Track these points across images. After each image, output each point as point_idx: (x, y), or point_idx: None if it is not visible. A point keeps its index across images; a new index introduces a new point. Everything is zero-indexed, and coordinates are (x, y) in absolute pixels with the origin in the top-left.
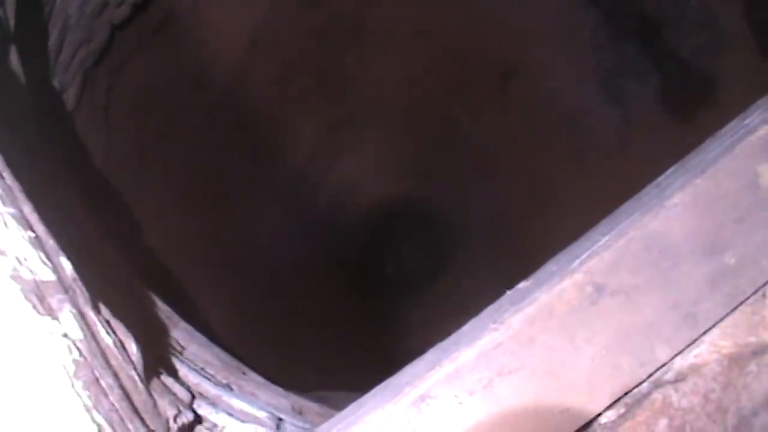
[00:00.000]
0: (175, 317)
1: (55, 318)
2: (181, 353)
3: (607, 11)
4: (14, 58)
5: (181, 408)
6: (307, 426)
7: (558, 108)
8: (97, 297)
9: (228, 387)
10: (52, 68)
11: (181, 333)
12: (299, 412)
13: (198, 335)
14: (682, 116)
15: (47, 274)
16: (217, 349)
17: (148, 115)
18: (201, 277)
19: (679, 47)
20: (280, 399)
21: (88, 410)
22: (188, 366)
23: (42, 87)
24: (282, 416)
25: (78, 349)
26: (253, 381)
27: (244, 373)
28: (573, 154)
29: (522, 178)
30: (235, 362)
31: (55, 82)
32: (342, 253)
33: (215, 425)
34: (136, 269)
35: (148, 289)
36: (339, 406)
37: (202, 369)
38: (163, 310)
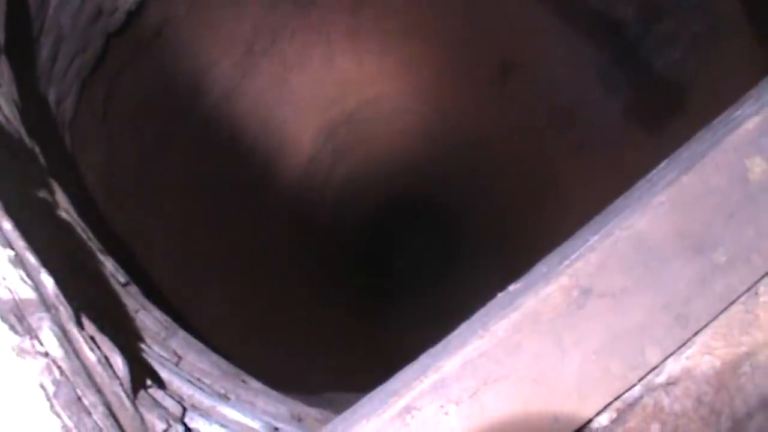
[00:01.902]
0: (174, 326)
1: (35, 337)
2: (176, 363)
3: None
4: (6, 71)
5: (171, 422)
6: None
7: (558, 100)
8: (82, 312)
9: (224, 397)
10: (48, 79)
11: (179, 341)
12: (298, 419)
13: (196, 343)
14: (676, 106)
15: (27, 292)
16: (215, 357)
17: (147, 122)
18: (204, 282)
19: (676, 36)
20: (279, 406)
21: (68, 431)
22: (182, 377)
23: (37, 98)
24: (278, 425)
25: (59, 367)
26: (252, 389)
27: (243, 381)
28: (574, 147)
29: (523, 171)
30: (234, 370)
31: (51, 93)
32: (347, 254)
33: None
34: (134, 277)
35: (146, 298)
36: (344, 408)
37: (198, 379)
38: (161, 319)
